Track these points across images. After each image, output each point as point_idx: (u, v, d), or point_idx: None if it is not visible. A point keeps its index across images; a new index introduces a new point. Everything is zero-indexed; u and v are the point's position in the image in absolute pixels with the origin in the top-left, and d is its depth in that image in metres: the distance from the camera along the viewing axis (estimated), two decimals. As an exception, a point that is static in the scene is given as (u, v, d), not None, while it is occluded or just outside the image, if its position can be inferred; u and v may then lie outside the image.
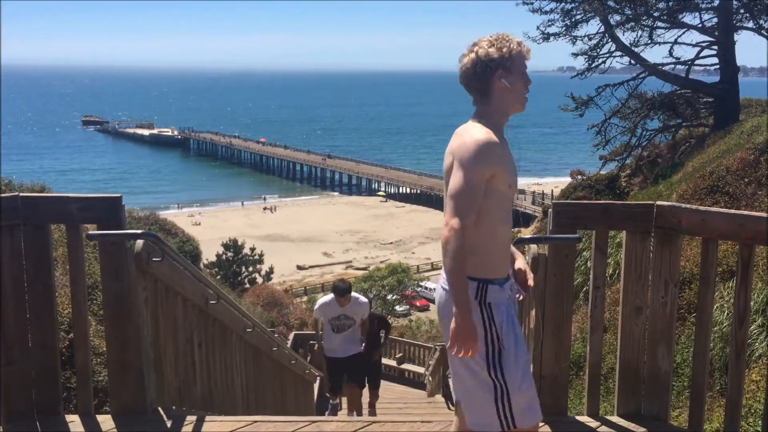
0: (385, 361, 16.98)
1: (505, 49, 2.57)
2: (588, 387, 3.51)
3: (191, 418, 3.50)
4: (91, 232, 3.24)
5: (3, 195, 3.22)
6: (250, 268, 30.09)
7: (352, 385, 8.08)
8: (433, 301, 40.39)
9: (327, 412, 8.21)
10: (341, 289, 7.44)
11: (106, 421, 3.33)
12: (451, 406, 11.36)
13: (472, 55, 2.60)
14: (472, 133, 2.54)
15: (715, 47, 19.65)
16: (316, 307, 7.77)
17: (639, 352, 3.40)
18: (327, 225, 60.63)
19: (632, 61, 20.77)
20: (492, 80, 2.59)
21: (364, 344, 7.87)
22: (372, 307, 8.69)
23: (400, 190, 74.82)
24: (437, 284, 2.75)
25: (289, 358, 8.18)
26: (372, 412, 8.58)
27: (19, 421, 3.26)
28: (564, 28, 20.83)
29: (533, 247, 3.48)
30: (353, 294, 7.63)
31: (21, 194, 3.26)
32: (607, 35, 20.49)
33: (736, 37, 19.62)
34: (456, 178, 2.52)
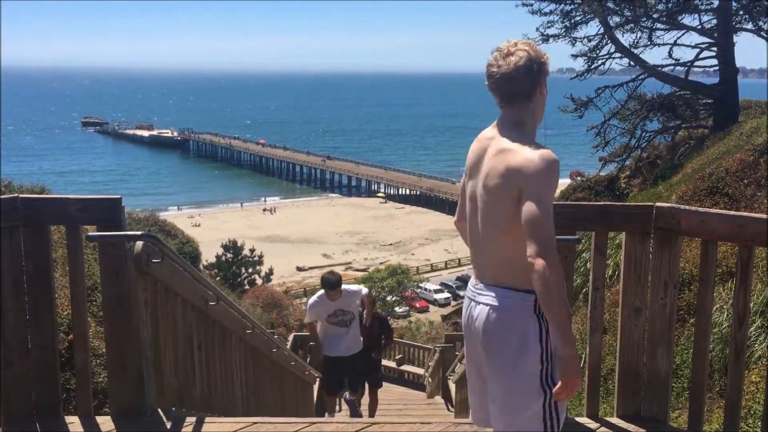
0: (384, 362, 16.98)
1: (545, 57, 2.44)
2: (587, 388, 3.51)
3: (191, 420, 3.50)
4: (90, 233, 3.25)
5: (3, 196, 3.22)
6: (250, 270, 30.08)
7: (352, 392, 7.69)
8: (433, 303, 39.89)
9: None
10: (332, 282, 6.78)
11: (105, 422, 3.33)
12: (450, 407, 11.36)
13: (524, 54, 2.39)
14: (537, 152, 2.34)
15: (715, 49, 19.67)
16: (308, 309, 7.18)
17: (638, 353, 3.41)
18: (326, 226, 60.64)
19: (632, 63, 20.79)
20: (540, 84, 2.45)
21: (363, 342, 7.40)
22: (375, 304, 8.18)
23: (400, 192, 74.86)
24: (477, 300, 2.52)
25: (288, 359, 8.18)
26: (371, 416, 8.22)
27: (19, 422, 3.26)
28: (563, 29, 20.86)
29: (533, 248, 3.48)
30: (343, 287, 6.99)
31: (21, 195, 3.26)
32: (606, 37, 20.52)
33: (735, 38, 19.65)
34: (534, 205, 2.31)
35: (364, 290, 7.40)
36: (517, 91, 2.43)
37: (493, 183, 2.42)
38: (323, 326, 7.07)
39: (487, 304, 2.46)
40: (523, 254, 2.32)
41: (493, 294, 2.46)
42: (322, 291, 6.90)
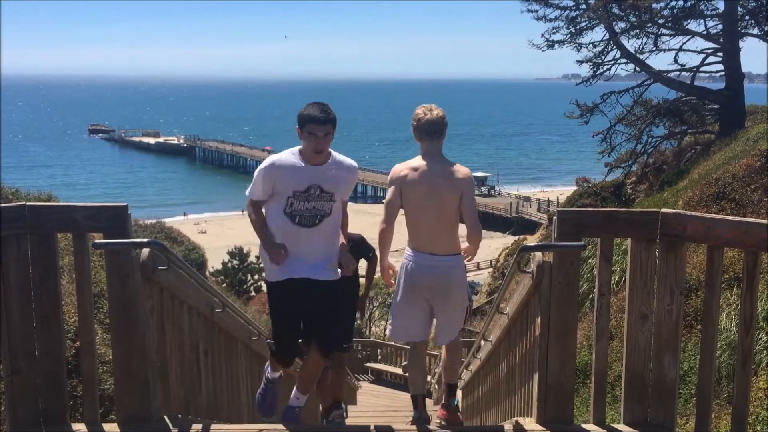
0: (390, 368, 16.96)
1: None
2: (594, 395, 3.50)
3: (197, 426, 3.50)
4: (97, 240, 3.26)
5: (10, 204, 3.24)
6: (256, 276, 30.08)
7: (316, 351, 4.01)
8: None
9: (262, 401, 4.41)
10: (318, 116, 3.89)
11: (112, 429, 3.34)
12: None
13: (440, 110, 4.06)
14: (465, 168, 3.96)
15: (720, 54, 19.65)
16: (260, 171, 3.85)
17: (645, 360, 3.39)
18: (332, 233, 60.47)
19: (637, 68, 20.79)
20: None
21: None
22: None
23: (406, 198, 74.73)
24: (442, 265, 3.89)
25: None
26: (338, 411, 4.93)
27: (26, 429, 3.27)
28: (569, 35, 20.89)
29: (538, 254, 3.48)
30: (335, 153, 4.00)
31: (28, 203, 3.28)
32: (611, 42, 20.53)
33: (741, 43, 19.64)
34: (473, 202, 3.90)
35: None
36: (444, 130, 3.99)
37: (450, 189, 3.82)
38: (276, 216, 3.84)
39: (451, 266, 3.91)
40: (456, 232, 3.88)
41: (453, 259, 3.91)
42: (294, 148, 3.99)
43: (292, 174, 3.81)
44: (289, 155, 3.92)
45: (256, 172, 3.86)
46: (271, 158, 3.91)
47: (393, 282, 4.07)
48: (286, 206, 3.79)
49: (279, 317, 4.00)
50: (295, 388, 4.29)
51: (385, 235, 3.95)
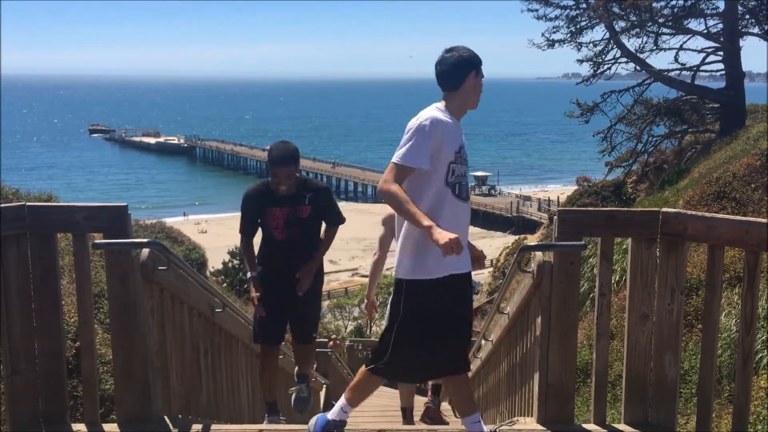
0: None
1: None
2: (594, 395, 3.50)
3: (197, 427, 3.50)
4: (97, 240, 3.26)
5: (10, 204, 3.24)
6: (257, 276, 30.07)
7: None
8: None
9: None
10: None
11: (112, 429, 3.34)
12: (457, 414, 11.30)
13: None
14: None
15: (721, 53, 19.64)
16: (420, 125, 2.92)
17: (646, 359, 3.39)
18: (333, 232, 60.39)
19: (637, 68, 20.78)
20: None
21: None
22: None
23: (406, 198, 74.62)
24: None
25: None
26: (303, 383, 4.83)
27: (26, 429, 3.26)
28: (569, 34, 20.88)
29: (538, 254, 3.48)
30: None
31: (28, 203, 3.28)
32: (612, 41, 20.52)
33: (741, 42, 19.63)
34: None
35: None
36: None
37: None
38: (436, 190, 2.98)
39: None
40: None
41: None
42: (436, 104, 3.07)
43: (452, 131, 2.96)
44: (441, 109, 3.02)
45: (412, 132, 2.88)
46: (431, 113, 2.95)
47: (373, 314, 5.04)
48: (448, 174, 2.91)
49: (419, 322, 3.03)
50: (343, 400, 3.35)
51: (378, 264, 5.36)
